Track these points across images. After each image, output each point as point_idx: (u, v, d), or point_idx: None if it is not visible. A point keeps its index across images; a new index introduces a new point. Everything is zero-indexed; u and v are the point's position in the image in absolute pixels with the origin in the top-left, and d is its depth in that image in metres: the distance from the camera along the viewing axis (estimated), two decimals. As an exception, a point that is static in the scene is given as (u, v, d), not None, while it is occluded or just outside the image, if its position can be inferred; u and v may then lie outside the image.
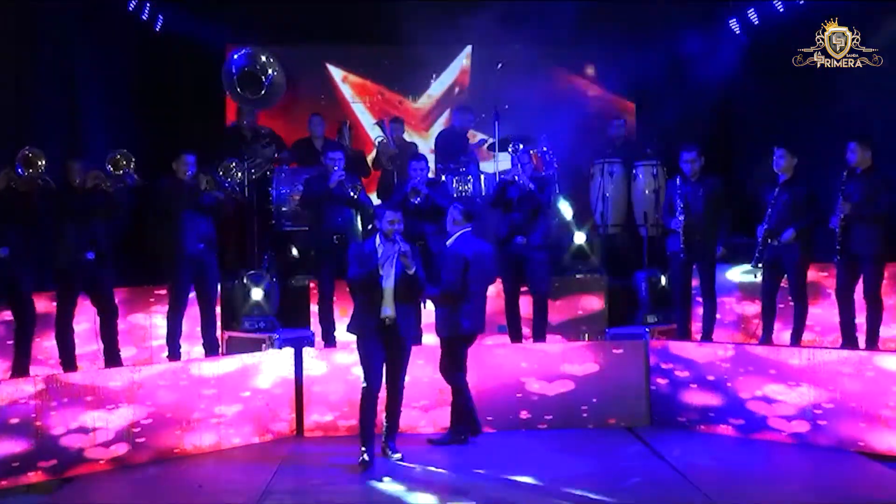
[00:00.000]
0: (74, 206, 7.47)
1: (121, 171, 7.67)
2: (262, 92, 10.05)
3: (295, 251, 9.62)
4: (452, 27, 10.15)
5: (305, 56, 11.36)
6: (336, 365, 7.73)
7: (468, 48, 11.29)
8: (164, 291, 8.36)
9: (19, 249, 7.33)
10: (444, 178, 9.26)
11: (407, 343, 6.91)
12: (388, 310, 6.74)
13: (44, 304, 7.79)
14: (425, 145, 10.79)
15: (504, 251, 8.23)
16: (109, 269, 7.73)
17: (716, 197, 8.11)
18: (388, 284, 6.74)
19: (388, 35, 10.88)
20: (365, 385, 6.83)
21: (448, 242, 7.34)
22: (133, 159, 7.75)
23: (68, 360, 7.58)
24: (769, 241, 7.78)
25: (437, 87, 11.45)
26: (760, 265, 7.90)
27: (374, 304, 6.75)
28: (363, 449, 6.79)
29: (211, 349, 8.07)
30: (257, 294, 8.75)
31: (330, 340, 8.25)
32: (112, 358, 7.72)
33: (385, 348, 6.82)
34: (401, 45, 10.66)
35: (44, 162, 7.36)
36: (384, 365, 6.86)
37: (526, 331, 8.37)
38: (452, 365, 7.31)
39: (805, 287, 7.92)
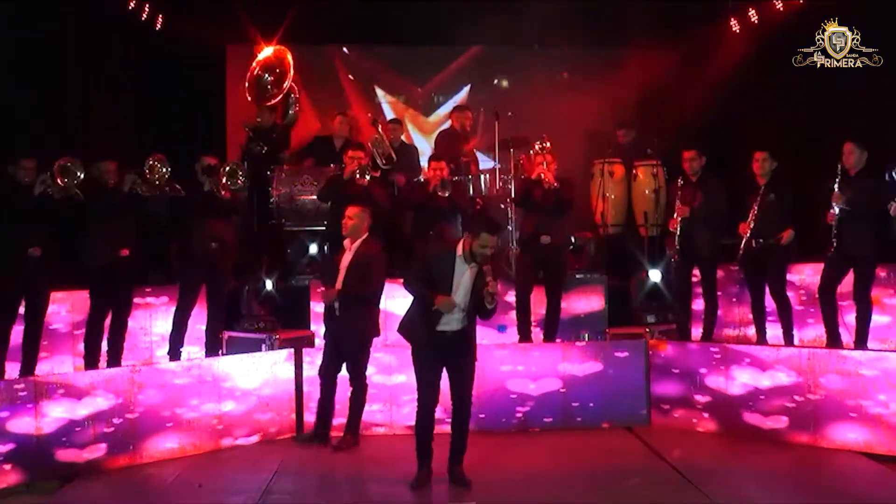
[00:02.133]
0: (113, 207, 7.58)
1: (156, 178, 7.73)
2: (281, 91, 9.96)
3: (313, 250, 9.60)
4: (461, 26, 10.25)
5: (308, 55, 11.40)
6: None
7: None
8: (155, 290, 8.40)
9: (48, 250, 7.38)
10: (456, 178, 9.25)
11: (472, 358, 6.45)
12: (456, 324, 6.32)
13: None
14: (425, 143, 10.84)
15: (527, 250, 8.27)
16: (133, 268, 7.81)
17: (715, 197, 8.11)
18: (459, 300, 6.28)
19: (395, 35, 10.98)
20: (419, 399, 6.43)
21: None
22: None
23: (94, 360, 7.63)
24: (753, 241, 7.81)
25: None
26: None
27: (437, 315, 6.31)
28: (419, 464, 6.45)
29: (213, 349, 8.06)
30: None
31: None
32: (116, 357, 7.72)
33: (445, 362, 6.40)
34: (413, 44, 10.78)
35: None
36: (439, 381, 6.41)
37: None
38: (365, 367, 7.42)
39: (785, 286, 7.96)
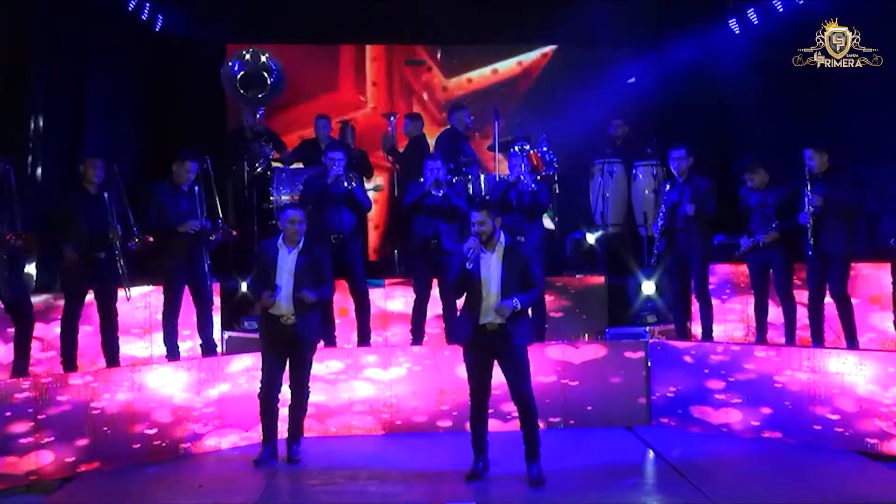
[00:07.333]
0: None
1: None
2: (267, 89, 9.90)
3: None
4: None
5: (313, 54, 11.43)
6: (333, 365, 7.75)
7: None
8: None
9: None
10: (455, 179, 9.26)
11: (519, 351, 6.35)
12: (491, 315, 6.24)
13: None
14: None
15: None
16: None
17: (703, 197, 8.04)
18: (493, 289, 6.23)
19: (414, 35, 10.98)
20: (469, 395, 6.48)
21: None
22: None
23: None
24: (756, 241, 7.82)
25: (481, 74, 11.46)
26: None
27: (473, 309, 6.29)
28: (474, 457, 6.53)
29: (208, 349, 8.02)
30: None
31: (330, 340, 8.23)
32: (112, 357, 7.68)
33: (491, 357, 6.35)
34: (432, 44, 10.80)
35: None
36: (488, 376, 6.40)
37: None
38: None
39: (791, 286, 7.91)
